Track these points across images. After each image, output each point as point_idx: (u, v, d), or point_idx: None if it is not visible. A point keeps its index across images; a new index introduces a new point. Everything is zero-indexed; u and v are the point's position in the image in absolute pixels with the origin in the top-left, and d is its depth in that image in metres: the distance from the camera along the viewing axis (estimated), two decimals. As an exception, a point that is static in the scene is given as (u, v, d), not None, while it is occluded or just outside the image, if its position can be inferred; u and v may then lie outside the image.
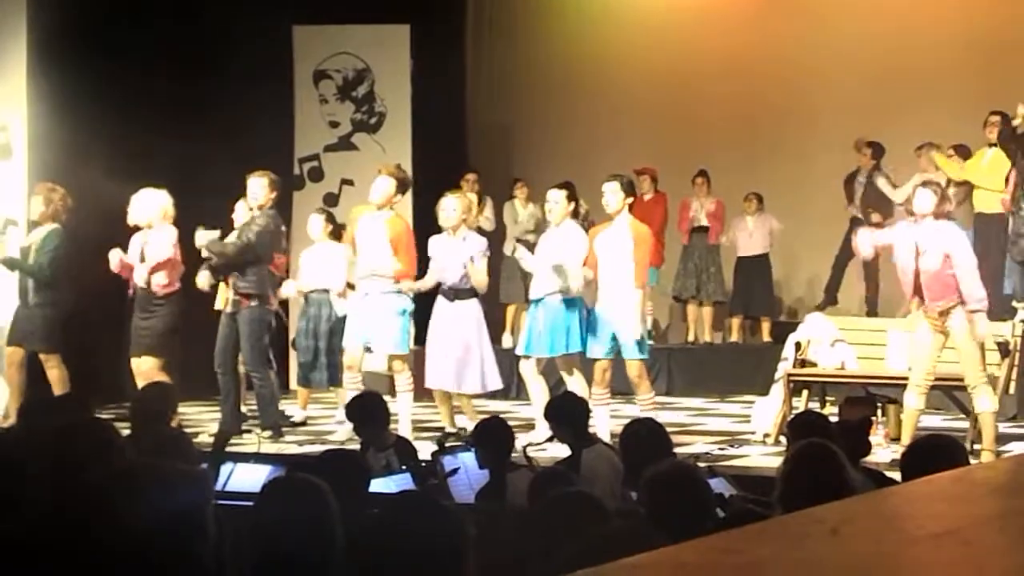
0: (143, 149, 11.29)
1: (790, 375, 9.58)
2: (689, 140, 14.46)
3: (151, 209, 9.74)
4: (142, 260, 9.64)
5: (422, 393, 10.57)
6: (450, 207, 9.71)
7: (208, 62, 12.69)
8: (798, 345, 9.81)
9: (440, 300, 9.76)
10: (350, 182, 13.46)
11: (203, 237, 9.55)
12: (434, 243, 9.79)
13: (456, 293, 9.68)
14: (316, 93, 13.73)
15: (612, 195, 9.20)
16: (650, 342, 10.98)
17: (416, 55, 13.64)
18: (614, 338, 9.14)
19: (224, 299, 9.82)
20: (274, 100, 13.28)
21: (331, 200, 13.30)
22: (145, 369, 9.65)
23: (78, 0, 11.48)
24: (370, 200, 9.78)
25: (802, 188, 13.62)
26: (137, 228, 9.81)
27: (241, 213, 10.05)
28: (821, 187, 13.59)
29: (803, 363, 9.77)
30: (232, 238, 9.66)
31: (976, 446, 8.62)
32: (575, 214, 9.45)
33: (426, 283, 9.79)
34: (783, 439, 8.51)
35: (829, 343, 9.79)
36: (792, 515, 2.31)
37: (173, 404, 7.43)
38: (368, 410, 7.43)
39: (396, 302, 9.62)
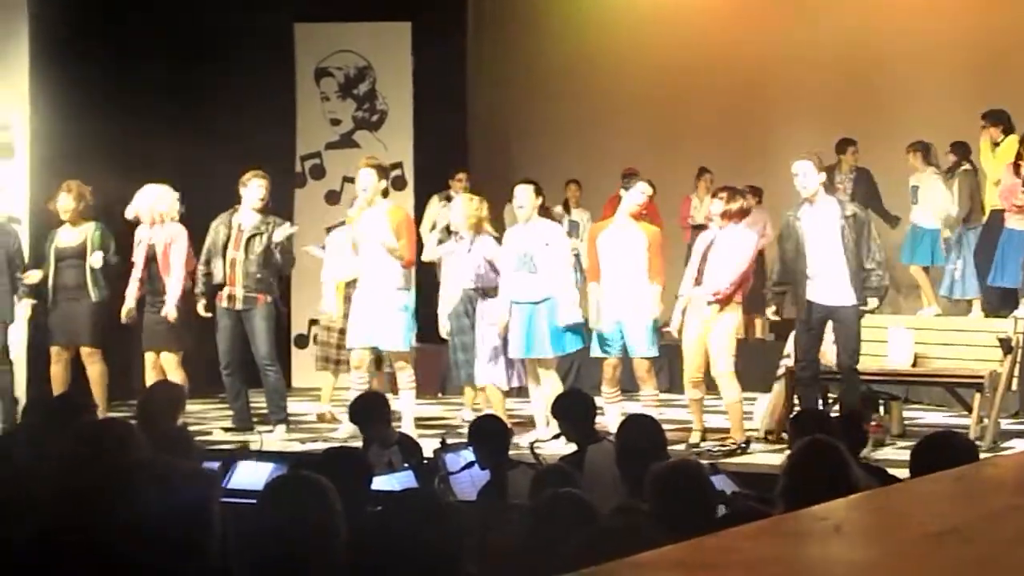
0: (144, 147, 11.29)
1: (792, 371, 9.57)
2: (688, 137, 14.47)
3: (160, 204, 9.80)
4: (154, 257, 9.72)
5: (424, 390, 10.54)
6: (456, 210, 9.67)
7: (210, 59, 12.68)
8: (800, 341, 9.79)
9: (483, 300, 9.60)
10: (352, 180, 13.40)
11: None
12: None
13: (484, 292, 9.60)
14: (318, 91, 13.72)
15: (643, 195, 9.26)
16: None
17: (417, 53, 13.63)
18: (622, 335, 9.16)
19: (229, 296, 9.75)
20: (276, 97, 13.27)
21: (333, 198, 13.31)
22: (163, 364, 9.73)
23: (79, -1, 11.48)
24: (360, 193, 9.74)
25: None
26: (135, 222, 9.89)
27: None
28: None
29: (805, 360, 9.74)
30: (257, 244, 9.64)
31: (979, 443, 8.62)
32: (543, 209, 9.50)
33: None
34: (784, 436, 8.52)
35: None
36: (794, 513, 2.31)
37: (181, 402, 7.45)
38: (371, 408, 7.45)
39: (399, 298, 9.61)
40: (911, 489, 2.94)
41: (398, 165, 13.42)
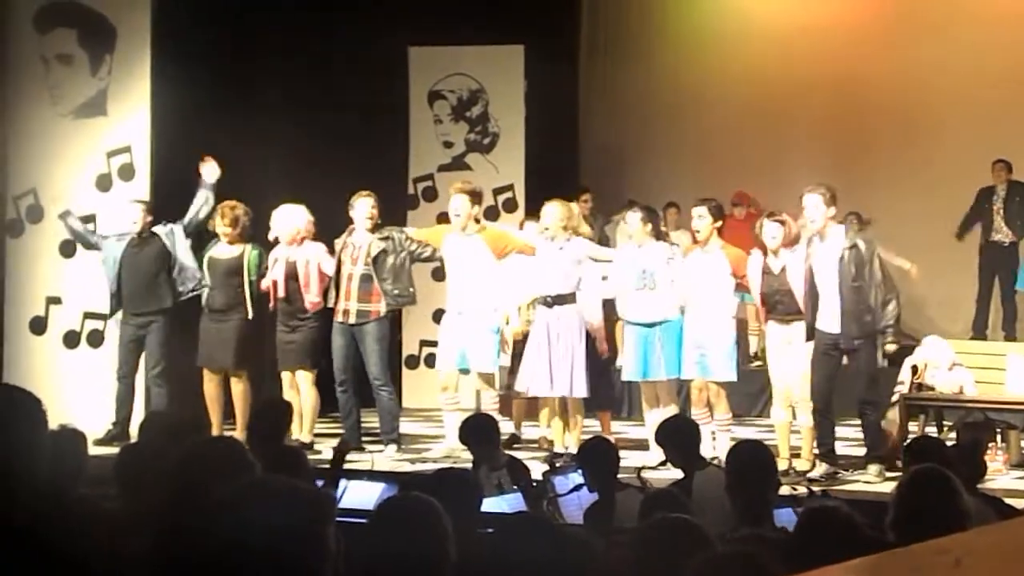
0: (259, 169, 11.45)
1: (907, 399, 9.45)
2: (801, 160, 14.30)
3: (297, 224, 9.94)
4: (294, 276, 9.85)
5: (505, 410, 10.50)
6: (548, 214, 9.70)
7: (325, 83, 12.83)
8: (915, 368, 9.68)
9: (539, 308, 9.72)
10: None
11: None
12: (538, 249, 9.74)
13: (555, 299, 9.64)
14: (431, 113, 13.80)
15: (700, 220, 9.34)
16: (758, 363, 11.03)
17: (530, 76, 13.66)
18: (704, 357, 9.16)
19: (343, 310, 9.84)
20: (389, 120, 13.39)
21: (445, 220, 13.35)
22: (298, 381, 9.86)
23: (200, 23, 11.66)
24: (454, 218, 9.84)
25: (915, 210, 13.39)
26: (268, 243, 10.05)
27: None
28: (935, 208, 13.37)
29: (920, 387, 9.63)
30: (383, 264, 9.74)
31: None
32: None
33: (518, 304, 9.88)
34: (898, 463, 8.40)
35: (947, 367, 9.65)
36: (913, 546, 2.28)
37: (289, 420, 7.51)
38: (481, 429, 7.47)
39: (490, 321, 9.70)
40: (1031, 522, 2.88)
41: (509, 187, 13.46)
